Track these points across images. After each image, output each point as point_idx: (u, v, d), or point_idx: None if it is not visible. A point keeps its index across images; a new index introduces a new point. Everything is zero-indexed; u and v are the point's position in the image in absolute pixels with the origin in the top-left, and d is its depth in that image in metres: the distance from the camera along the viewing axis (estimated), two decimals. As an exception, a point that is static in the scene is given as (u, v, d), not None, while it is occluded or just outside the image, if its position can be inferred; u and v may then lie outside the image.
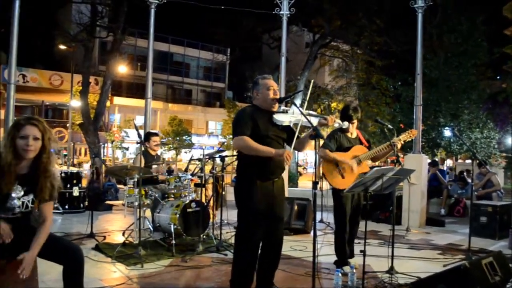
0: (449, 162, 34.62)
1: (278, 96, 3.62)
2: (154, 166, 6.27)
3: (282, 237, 3.77)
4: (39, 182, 2.86)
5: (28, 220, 2.97)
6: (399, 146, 4.54)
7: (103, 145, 27.01)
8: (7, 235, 2.74)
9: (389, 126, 4.65)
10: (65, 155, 28.70)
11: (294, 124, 3.55)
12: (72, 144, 28.98)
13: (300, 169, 28.79)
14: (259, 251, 3.69)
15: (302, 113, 3.36)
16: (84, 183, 11.58)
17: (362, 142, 4.91)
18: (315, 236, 3.25)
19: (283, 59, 9.20)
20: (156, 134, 6.63)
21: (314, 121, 3.39)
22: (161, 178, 6.52)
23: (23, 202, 2.83)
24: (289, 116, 3.45)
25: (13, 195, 2.79)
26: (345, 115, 4.76)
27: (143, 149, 5.97)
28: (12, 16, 7.31)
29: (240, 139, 3.42)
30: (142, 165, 5.64)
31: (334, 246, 4.94)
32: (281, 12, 9.08)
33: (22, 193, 2.83)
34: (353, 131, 4.91)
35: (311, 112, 3.50)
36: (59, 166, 24.72)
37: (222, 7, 9.22)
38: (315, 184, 3.15)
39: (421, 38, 8.40)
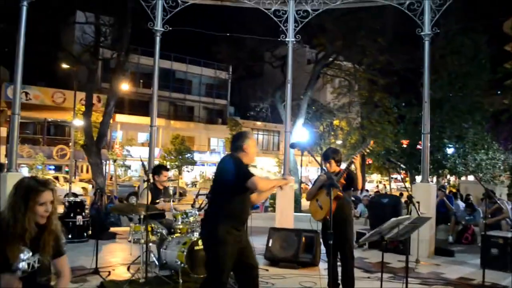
0: (451, 179, 34.42)
1: None
2: (161, 202, 6.18)
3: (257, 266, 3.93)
4: (43, 240, 2.80)
5: (34, 279, 2.89)
6: (357, 165, 4.96)
7: (105, 163, 26.95)
8: None
9: (402, 165, 4.58)
10: (67, 172, 28.69)
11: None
12: (74, 161, 28.97)
13: (303, 185, 28.55)
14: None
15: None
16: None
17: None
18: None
19: (289, 86, 9.13)
20: (166, 169, 6.60)
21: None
22: (167, 208, 6.43)
23: (29, 263, 2.76)
24: (259, 171, 3.85)
25: (21, 257, 2.71)
26: (324, 154, 5.36)
27: (151, 180, 5.92)
28: (18, 35, 7.26)
29: (259, 179, 3.61)
30: (149, 200, 5.55)
31: None
32: (287, 39, 9.03)
33: (30, 254, 2.76)
34: (334, 169, 5.19)
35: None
36: (61, 185, 24.67)
37: (228, 34, 9.20)
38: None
39: (428, 66, 8.35)
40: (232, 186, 3.64)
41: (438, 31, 8.27)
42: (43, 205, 2.71)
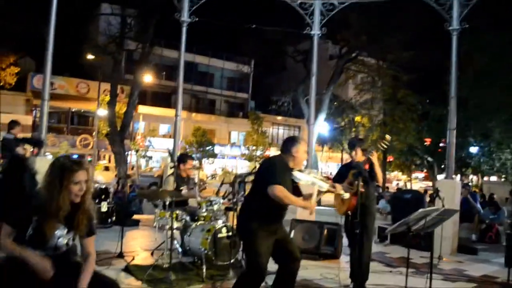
0: (474, 179, 33.77)
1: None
2: (184, 191, 6.27)
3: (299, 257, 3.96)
4: (77, 219, 2.89)
5: (69, 256, 2.99)
6: (374, 161, 5.05)
7: (127, 153, 27.35)
8: (48, 271, 2.73)
9: (429, 159, 4.55)
10: (90, 161, 29.23)
11: (311, 183, 3.92)
12: (97, 151, 29.47)
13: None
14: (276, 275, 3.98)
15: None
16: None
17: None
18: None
19: (314, 79, 9.11)
20: (192, 158, 6.73)
21: (326, 186, 3.94)
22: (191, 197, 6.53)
23: (64, 241, 2.86)
24: (304, 176, 3.81)
25: (58, 234, 2.80)
26: (349, 143, 5.65)
27: (173, 169, 6.00)
28: (48, 24, 7.44)
29: (279, 189, 3.60)
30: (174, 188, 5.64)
31: None
32: (312, 32, 9.01)
33: (65, 231, 2.85)
34: (359, 159, 5.19)
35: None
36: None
37: (253, 26, 9.22)
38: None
39: (456, 61, 8.20)
40: (263, 186, 3.71)
41: (467, 25, 8.08)
42: (78, 184, 2.79)
